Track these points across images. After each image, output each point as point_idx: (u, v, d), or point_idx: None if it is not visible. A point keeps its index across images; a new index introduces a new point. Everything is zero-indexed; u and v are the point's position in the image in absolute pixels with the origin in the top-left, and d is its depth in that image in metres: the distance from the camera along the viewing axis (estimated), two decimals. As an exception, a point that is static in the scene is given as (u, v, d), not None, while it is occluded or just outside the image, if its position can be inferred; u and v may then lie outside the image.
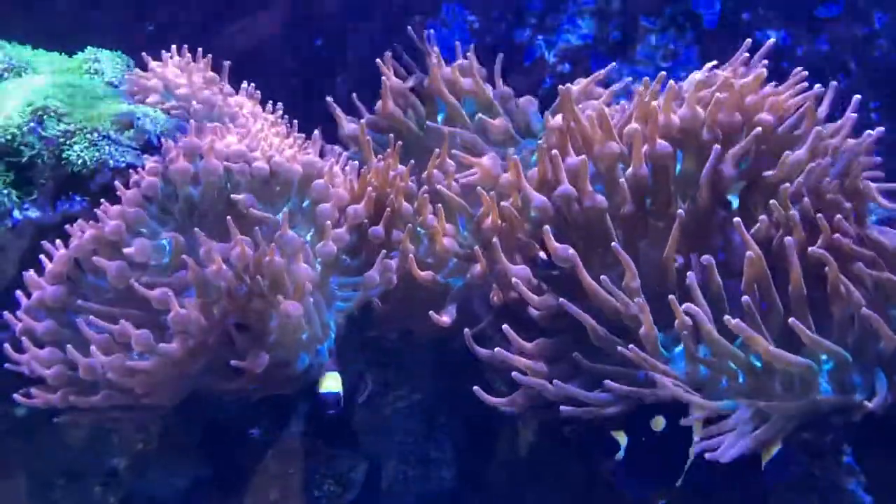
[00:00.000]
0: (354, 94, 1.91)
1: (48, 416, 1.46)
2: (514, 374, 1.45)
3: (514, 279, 1.50)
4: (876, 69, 1.92)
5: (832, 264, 1.36)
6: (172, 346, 1.37)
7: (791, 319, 1.33)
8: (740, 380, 1.38)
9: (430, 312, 1.53)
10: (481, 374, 1.57)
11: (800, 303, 1.38)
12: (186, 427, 1.66)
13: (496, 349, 1.47)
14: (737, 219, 1.43)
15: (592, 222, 1.51)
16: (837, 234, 1.40)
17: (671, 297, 1.38)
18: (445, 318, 1.54)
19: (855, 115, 1.53)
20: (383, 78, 1.87)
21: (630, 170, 1.51)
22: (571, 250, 1.47)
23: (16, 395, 1.42)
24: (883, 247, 1.44)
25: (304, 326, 1.43)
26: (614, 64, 1.86)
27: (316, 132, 1.69)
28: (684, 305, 1.37)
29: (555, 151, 1.52)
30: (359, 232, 1.56)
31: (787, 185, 1.46)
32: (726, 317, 1.34)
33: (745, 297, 1.36)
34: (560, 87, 1.59)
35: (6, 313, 1.45)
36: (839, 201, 1.45)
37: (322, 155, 1.69)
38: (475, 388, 1.47)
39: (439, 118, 1.86)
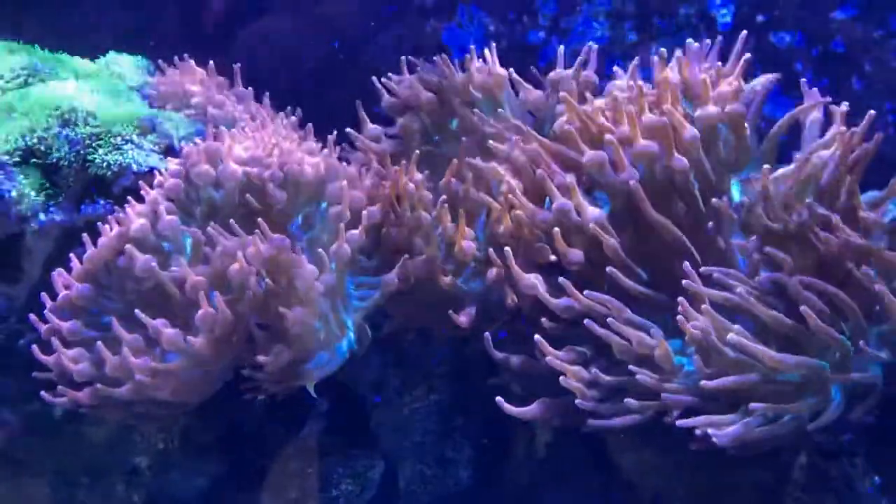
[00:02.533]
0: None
1: (74, 415, 1.49)
2: (561, 378, 1.45)
3: (526, 284, 1.51)
4: (891, 71, 1.93)
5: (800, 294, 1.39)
6: (199, 341, 1.39)
7: (803, 308, 1.35)
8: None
9: (450, 312, 1.55)
10: (498, 376, 1.59)
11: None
12: (207, 426, 1.69)
13: (548, 357, 1.47)
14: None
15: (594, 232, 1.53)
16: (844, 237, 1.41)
17: (680, 317, 1.40)
18: (463, 318, 1.56)
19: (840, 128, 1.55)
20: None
21: (619, 175, 1.52)
22: (581, 255, 1.50)
23: (43, 393, 1.45)
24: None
25: (316, 326, 1.46)
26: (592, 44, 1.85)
27: (330, 137, 1.70)
28: (691, 323, 1.40)
29: (540, 171, 1.54)
30: (375, 233, 1.58)
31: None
32: (730, 335, 1.36)
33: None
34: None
35: (32, 316, 1.48)
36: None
37: (342, 158, 1.71)
38: (498, 398, 1.48)
39: (453, 124, 1.87)
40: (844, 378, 1.37)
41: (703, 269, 1.47)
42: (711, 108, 1.55)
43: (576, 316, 1.49)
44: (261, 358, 1.43)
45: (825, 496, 1.51)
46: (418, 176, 1.63)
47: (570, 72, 1.78)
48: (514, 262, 1.53)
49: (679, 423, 1.37)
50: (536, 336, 1.48)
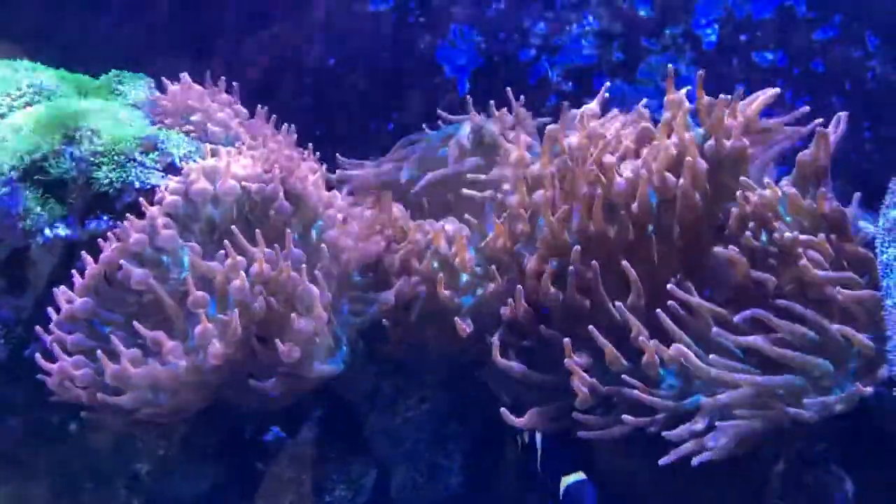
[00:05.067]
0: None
1: (78, 421, 1.54)
2: (574, 382, 1.49)
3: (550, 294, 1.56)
4: (869, 90, 1.98)
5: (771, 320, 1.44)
6: (205, 360, 1.44)
7: (775, 348, 1.41)
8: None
9: (456, 319, 1.59)
10: (487, 387, 1.64)
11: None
12: (206, 433, 1.73)
13: (566, 360, 1.50)
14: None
15: (602, 247, 1.59)
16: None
17: (654, 341, 1.46)
18: (465, 327, 1.60)
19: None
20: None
21: (635, 204, 1.58)
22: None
23: (50, 398, 1.49)
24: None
25: (316, 340, 1.51)
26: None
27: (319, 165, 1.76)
28: (673, 347, 1.45)
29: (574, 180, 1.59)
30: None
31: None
32: (714, 371, 1.42)
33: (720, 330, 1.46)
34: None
35: (37, 327, 1.53)
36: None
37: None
38: (502, 409, 1.52)
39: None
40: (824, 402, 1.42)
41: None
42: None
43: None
44: (281, 346, 1.46)
45: (801, 502, 1.56)
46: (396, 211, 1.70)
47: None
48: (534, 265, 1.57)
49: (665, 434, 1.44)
50: (566, 339, 1.50)
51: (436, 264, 1.65)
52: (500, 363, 1.56)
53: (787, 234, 1.49)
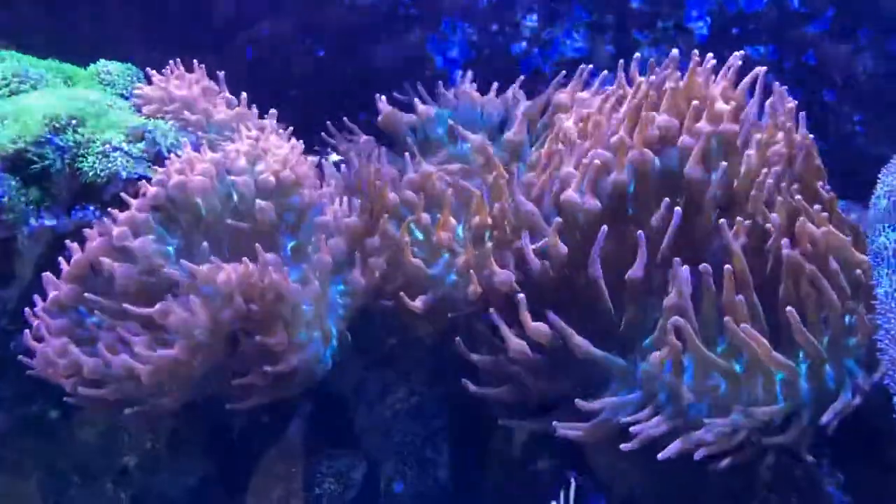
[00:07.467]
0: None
1: (66, 416, 1.52)
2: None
3: (501, 279, 1.55)
4: (860, 83, 1.99)
5: (801, 268, 1.43)
6: (171, 351, 1.43)
7: (789, 309, 1.40)
8: (721, 390, 1.45)
9: (401, 294, 1.57)
10: (476, 377, 1.64)
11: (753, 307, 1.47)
12: (194, 427, 1.72)
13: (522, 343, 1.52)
14: (722, 220, 1.52)
15: (586, 226, 1.57)
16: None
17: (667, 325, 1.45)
18: (417, 304, 1.59)
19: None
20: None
21: (611, 176, 1.58)
22: (565, 249, 1.54)
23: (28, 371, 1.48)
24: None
25: (301, 337, 1.50)
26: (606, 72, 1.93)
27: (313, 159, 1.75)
28: (672, 319, 1.44)
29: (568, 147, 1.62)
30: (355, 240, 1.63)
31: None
32: (744, 325, 1.41)
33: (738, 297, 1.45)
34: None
35: (26, 310, 1.52)
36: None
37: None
38: (463, 380, 1.54)
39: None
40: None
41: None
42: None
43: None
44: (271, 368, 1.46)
45: (791, 495, 1.56)
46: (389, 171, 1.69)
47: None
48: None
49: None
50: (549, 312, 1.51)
51: (416, 235, 1.63)
52: (470, 358, 1.56)
53: (793, 201, 1.49)
